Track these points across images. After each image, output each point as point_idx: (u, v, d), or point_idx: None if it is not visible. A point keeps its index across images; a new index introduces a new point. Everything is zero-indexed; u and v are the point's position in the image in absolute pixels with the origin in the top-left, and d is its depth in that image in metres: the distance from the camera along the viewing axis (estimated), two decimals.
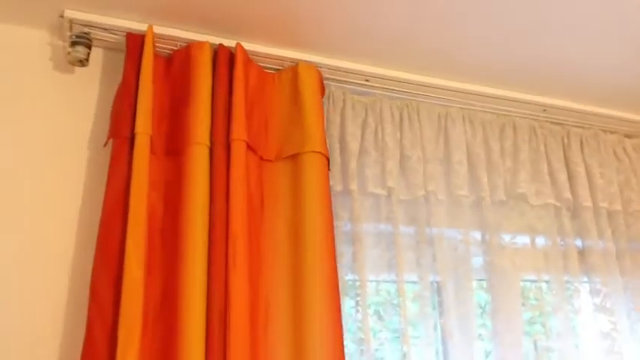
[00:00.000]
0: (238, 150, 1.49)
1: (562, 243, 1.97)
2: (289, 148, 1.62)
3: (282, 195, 1.58)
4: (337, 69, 1.79)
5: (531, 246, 1.92)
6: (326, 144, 1.63)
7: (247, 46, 1.67)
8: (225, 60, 1.60)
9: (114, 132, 1.45)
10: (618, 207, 2.08)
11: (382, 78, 1.85)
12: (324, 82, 1.76)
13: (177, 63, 1.60)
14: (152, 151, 1.47)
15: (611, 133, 2.22)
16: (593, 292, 1.96)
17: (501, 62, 1.88)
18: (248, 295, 1.38)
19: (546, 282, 1.90)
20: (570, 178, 2.04)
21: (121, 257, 1.31)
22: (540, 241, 1.94)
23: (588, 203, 2.01)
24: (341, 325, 1.45)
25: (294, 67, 1.71)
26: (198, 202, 1.41)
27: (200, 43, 1.60)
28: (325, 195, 1.56)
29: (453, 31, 1.72)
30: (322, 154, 1.60)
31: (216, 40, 1.65)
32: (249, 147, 1.53)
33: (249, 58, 1.66)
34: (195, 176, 1.43)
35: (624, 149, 2.21)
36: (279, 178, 1.60)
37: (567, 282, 1.92)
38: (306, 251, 1.48)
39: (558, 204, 1.99)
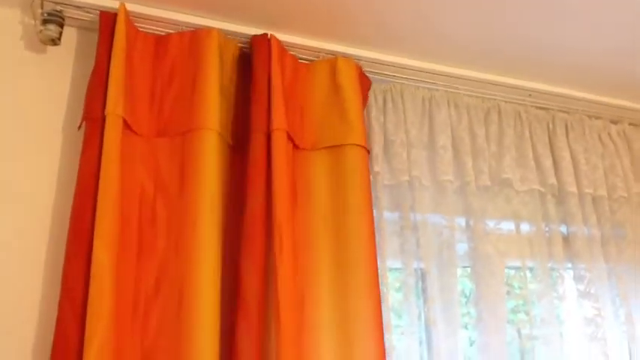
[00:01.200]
0: (280, 139, 1.49)
1: (547, 229, 1.95)
2: (329, 138, 1.62)
3: (318, 184, 1.59)
4: (320, 51, 1.75)
5: (516, 232, 1.91)
6: (367, 138, 1.65)
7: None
8: (263, 49, 1.59)
9: (86, 114, 1.40)
10: (603, 193, 2.06)
11: (366, 61, 1.81)
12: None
13: (178, 46, 1.57)
14: (136, 132, 1.45)
15: (597, 118, 2.20)
16: (578, 279, 1.95)
17: (487, 46, 1.85)
18: (294, 283, 1.40)
19: (530, 269, 1.89)
20: (555, 163, 2.02)
21: (92, 243, 1.26)
22: (525, 227, 1.92)
23: (573, 189, 2.00)
24: (382, 324, 1.47)
25: (333, 59, 1.71)
26: (210, 187, 1.40)
27: (208, 30, 1.58)
28: (367, 188, 1.58)
29: (438, 14, 1.68)
30: (365, 147, 1.61)
31: (211, 23, 1.62)
32: (288, 136, 1.53)
33: (284, 48, 1.65)
34: (209, 162, 1.43)
35: (609, 135, 2.19)
36: (313, 167, 1.61)
37: (552, 268, 1.90)
38: (349, 245, 1.51)
39: (543, 190, 1.97)
